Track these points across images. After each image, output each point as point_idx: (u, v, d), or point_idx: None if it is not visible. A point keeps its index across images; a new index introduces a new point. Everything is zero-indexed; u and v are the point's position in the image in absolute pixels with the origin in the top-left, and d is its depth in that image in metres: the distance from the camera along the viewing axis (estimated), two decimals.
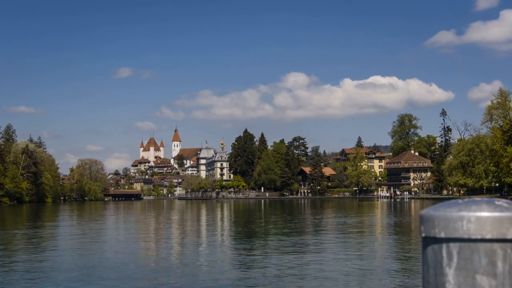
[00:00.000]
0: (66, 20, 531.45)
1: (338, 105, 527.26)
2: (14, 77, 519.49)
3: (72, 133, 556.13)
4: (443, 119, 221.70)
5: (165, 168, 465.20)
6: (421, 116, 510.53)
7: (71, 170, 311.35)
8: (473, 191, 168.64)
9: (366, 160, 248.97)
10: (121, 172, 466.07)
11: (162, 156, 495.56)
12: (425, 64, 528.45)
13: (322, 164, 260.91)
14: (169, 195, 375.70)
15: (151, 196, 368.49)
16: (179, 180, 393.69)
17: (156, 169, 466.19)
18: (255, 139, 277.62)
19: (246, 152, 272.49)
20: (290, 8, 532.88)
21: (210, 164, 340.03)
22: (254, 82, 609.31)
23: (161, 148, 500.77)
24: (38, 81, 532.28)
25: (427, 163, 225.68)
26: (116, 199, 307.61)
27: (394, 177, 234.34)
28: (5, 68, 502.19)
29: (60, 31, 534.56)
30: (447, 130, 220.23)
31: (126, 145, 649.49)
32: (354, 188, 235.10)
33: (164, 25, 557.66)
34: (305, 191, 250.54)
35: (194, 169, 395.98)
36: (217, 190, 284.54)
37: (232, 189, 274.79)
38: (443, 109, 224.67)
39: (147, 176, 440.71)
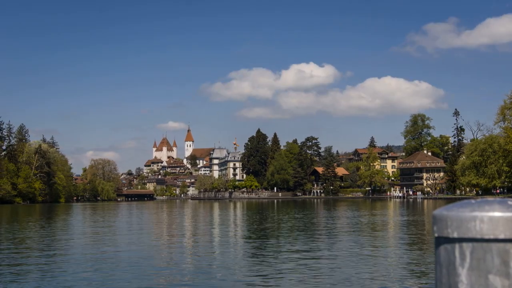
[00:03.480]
0: (76, 18, 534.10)
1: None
2: (16, 76, 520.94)
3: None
4: (456, 119, 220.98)
5: (178, 168, 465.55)
6: (433, 116, 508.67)
7: (84, 170, 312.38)
8: (486, 191, 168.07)
9: (379, 160, 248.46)
10: (134, 172, 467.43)
11: (175, 156, 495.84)
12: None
13: (335, 164, 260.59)
14: (182, 195, 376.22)
15: (164, 196, 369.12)
16: (192, 180, 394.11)
17: (169, 169, 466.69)
18: (267, 139, 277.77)
19: (259, 152, 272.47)
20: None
21: (223, 164, 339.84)
22: None
23: (174, 148, 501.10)
24: (42, 80, 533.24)
25: (440, 163, 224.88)
26: (129, 199, 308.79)
27: (407, 177, 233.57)
28: (7, 68, 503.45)
29: (68, 29, 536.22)
30: (460, 130, 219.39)
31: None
32: (367, 188, 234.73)
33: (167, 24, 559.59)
34: (318, 191, 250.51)
35: (207, 169, 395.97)
36: (230, 190, 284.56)
37: (245, 189, 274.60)
38: (456, 109, 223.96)
39: (160, 176, 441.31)
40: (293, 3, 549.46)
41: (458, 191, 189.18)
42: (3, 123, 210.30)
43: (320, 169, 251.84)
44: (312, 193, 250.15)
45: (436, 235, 1.97)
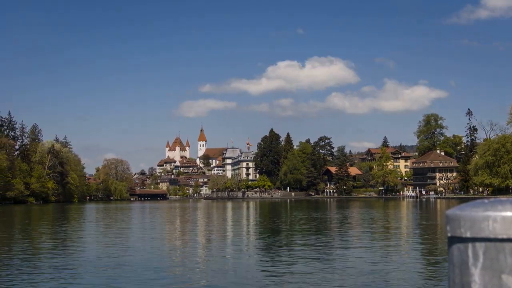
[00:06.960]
0: (84, 17, 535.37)
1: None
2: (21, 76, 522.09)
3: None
4: (469, 119, 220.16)
5: (191, 168, 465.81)
6: (446, 115, 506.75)
7: (97, 170, 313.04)
8: (499, 191, 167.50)
9: (392, 160, 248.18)
10: (146, 172, 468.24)
11: (187, 156, 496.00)
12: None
13: (348, 164, 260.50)
14: (195, 195, 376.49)
15: (177, 196, 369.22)
16: (205, 180, 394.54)
17: (182, 169, 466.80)
18: (280, 139, 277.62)
19: (272, 152, 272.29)
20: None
21: (236, 164, 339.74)
22: None
23: (187, 148, 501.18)
24: (48, 79, 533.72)
25: (453, 163, 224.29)
26: (142, 199, 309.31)
27: (420, 177, 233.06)
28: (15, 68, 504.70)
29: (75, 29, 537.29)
30: (473, 130, 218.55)
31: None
32: (380, 188, 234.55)
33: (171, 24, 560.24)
34: (331, 190, 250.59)
35: (220, 169, 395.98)
36: (243, 190, 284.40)
37: (258, 189, 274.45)
38: (468, 109, 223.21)
39: (172, 176, 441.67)
40: (294, 3, 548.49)
41: (471, 191, 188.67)
42: (16, 122, 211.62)
43: (333, 169, 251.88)
44: (325, 193, 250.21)
45: (449, 235, 1.97)
